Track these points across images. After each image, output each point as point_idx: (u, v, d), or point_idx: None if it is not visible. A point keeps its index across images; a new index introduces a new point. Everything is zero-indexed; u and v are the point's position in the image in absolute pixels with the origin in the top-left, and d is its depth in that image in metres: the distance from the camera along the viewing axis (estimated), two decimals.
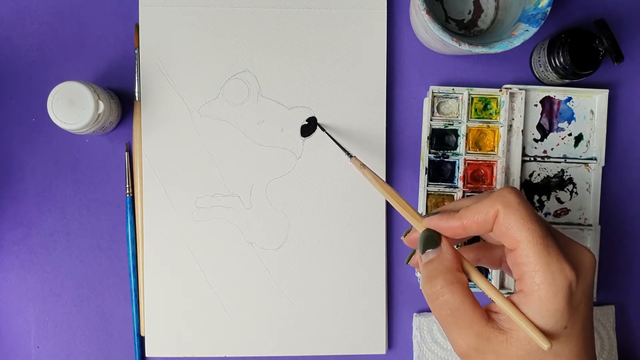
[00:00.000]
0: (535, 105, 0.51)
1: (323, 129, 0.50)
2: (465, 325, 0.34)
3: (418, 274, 0.51)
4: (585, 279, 0.33)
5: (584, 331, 0.34)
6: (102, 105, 0.45)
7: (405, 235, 0.39)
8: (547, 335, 0.32)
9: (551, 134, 0.51)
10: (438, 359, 0.51)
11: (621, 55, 0.46)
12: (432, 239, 0.36)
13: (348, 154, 0.47)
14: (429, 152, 0.50)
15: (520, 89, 0.50)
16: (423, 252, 0.36)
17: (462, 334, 0.34)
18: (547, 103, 0.51)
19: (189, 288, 0.51)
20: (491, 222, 0.34)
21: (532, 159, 0.51)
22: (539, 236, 0.32)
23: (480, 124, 0.50)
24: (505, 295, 0.34)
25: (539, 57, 0.50)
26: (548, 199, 0.52)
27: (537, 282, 0.32)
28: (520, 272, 0.33)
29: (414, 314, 0.52)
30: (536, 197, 0.52)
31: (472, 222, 0.34)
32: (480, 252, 0.40)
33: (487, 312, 0.34)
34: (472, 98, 0.50)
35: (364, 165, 0.44)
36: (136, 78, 0.50)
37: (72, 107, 0.45)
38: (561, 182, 0.52)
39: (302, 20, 0.51)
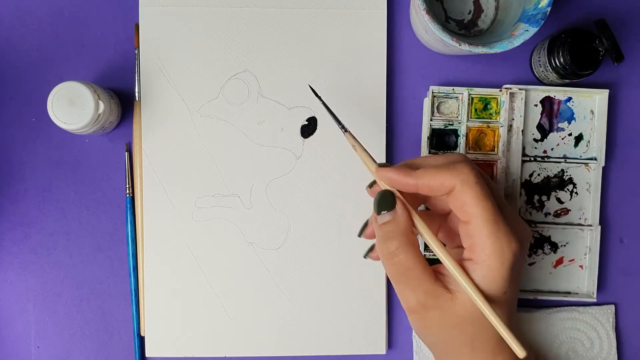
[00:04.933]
0: (535, 105, 0.51)
1: (318, 96, 0.46)
2: (415, 283, 0.37)
3: None
4: (524, 250, 0.38)
5: (515, 295, 0.38)
6: (102, 105, 0.45)
7: (371, 186, 0.42)
8: (490, 300, 0.36)
9: (551, 134, 0.51)
10: None
11: (621, 55, 0.46)
12: (387, 200, 0.39)
13: (343, 127, 0.44)
14: (429, 152, 0.50)
15: (520, 89, 0.50)
16: (378, 213, 0.39)
17: (412, 290, 0.37)
18: (547, 103, 0.51)
19: (189, 288, 0.50)
20: (444, 191, 0.37)
21: (532, 159, 0.51)
22: (491, 213, 0.36)
23: (480, 124, 0.50)
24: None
25: (539, 57, 0.50)
26: (548, 199, 0.52)
27: (487, 253, 0.36)
28: (471, 243, 0.36)
29: None
30: (536, 197, 0.52)
31: (426, 186, 0.37)
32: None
33: (435, 273, 0.38)
34: (472, 98, 0.50)
35: (356, 141, 0.43)
36: (136, 78, 0.50)
37: (72, 107, 0.45)
38: (561, 182, 0.52)
39: (302, 20, 0.51)
